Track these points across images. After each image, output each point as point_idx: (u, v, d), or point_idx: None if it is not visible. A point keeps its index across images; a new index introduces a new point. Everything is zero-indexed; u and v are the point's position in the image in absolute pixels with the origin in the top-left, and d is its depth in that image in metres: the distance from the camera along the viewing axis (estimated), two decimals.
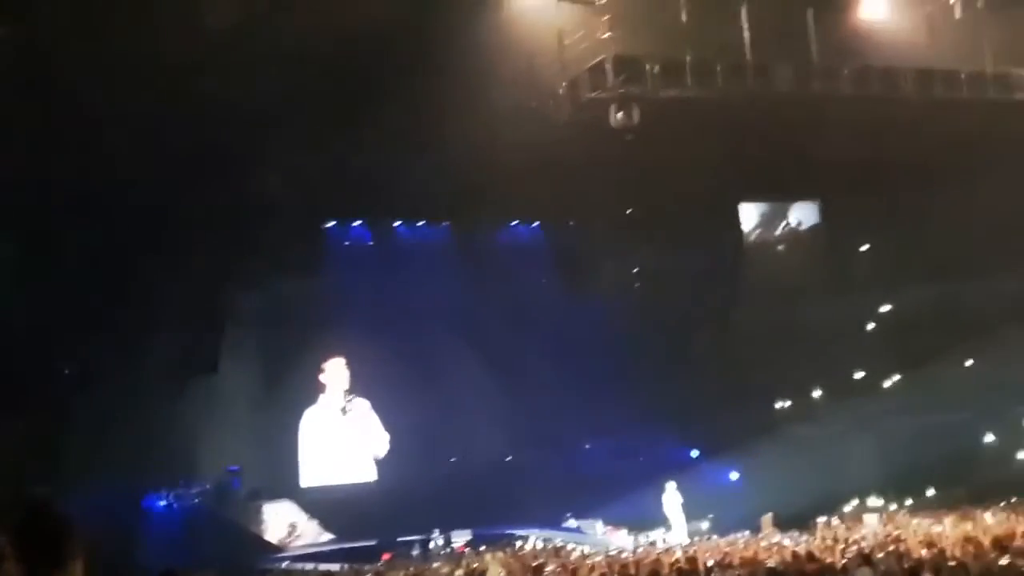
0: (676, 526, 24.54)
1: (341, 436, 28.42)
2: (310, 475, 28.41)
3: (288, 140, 22.23)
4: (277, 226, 25.23)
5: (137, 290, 24.42)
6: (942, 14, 22.65)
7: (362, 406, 28.44)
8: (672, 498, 24.85)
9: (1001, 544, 13.02)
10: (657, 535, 24.59)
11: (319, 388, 28.60)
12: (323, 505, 27.42)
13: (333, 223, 29.94)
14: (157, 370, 25.33)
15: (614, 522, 26.60)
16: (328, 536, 26.72)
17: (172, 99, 20.31)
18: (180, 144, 21.33)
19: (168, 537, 24.36)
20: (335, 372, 28.82)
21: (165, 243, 24.18)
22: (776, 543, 18.36)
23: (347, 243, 30.41)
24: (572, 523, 26.88)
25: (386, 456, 28.73)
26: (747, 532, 22.74)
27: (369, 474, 28.76)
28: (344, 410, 28.36)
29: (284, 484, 28.25)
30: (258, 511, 27.34)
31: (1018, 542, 13.25)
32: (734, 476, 29.21)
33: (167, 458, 25.91)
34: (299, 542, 26.62)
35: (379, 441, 28.59)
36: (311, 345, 28.24)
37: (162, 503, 26.60)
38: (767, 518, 23.21)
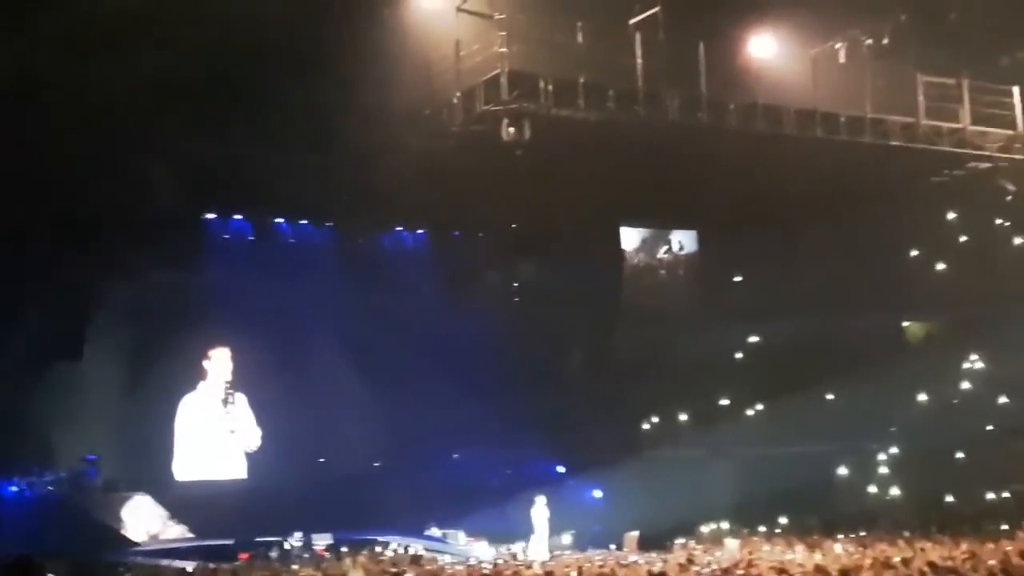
0: (539, 540, 24.77)
1: (220, 427, 27.87)
2: (184, 466, 27.77)
3: (170, 128, 21.79)
4: (154, 215, 24.68)
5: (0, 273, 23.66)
6: (827, 59, 23.43)
7: (241, 400, 27.96)
8: (540, 512, 25.10)
9: (848, 575, 13.50)
10: (519, 548, 24.78)
11: (200, 375, 28.01)
12: (184, 499, 26.81)
13: (213, 216, 29.43)
14: (15, 355, 24.55)
15: (477, 533, 26.71)
16: (186, 532, 26.19)
17: (47, 84, 19.78)
18: (54, 128, 20.73)
19: (18, 524, 23.58)
20: (219, 362, 28.24)
21: (33, 228, 23.48)
22: (633, 562, 18.66)
23: (226, 236, 29.90)
24: (435, 532, 26.87)
25: (255, 454, 28.32)
26: (610, 548, 23.10)
27: (240, 470, 28.28)
28: (225, 401, 27.85)
29: (147, 475, 27.57)
30: (115, 502, 26.63)
31: (864, 574, 13.75)
32: (598, 494, 29.60)
33: (22, 444, 25.14)
34: (156, 536, 26.02)
35: (252, 436, 28.16)
36: (184, 337, 27.64)
37: (13, 489, 25.76)
38: (632, 536, 23.57)
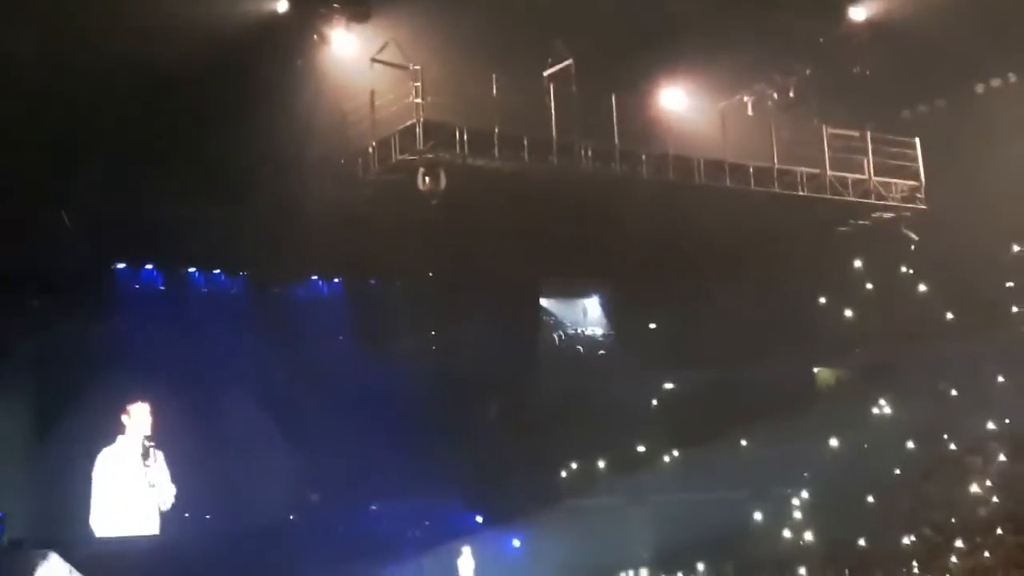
0: None
1: (139, 483, 27.15)
2: (102, 522, 26.98)
3: (79, 177, 21.45)
4: (60, 263, 24.19)
5: None
6: (735, 111, 24.03)
7: (160, 456, 27.29)
8: (466, 563, 25.04)
9: None
10: None
11: (119, 429, 27.31)
12: (96, 557, 26.02)
13: (123, 265, 28.93)
14: None
15: None
16: None
17: None
18: None
19: None
20: (139, 417, 27.51)
21: None
22: None
23: (137, 286, 29.41)
24: None
25: (169, 510, 27.65)
26: None
27: (154, 526, 27.56)
28: (145, 456, 27.12)
29: (57, 533, 26.69)
30: (21, 562, 25.74)
31: None
32: (516, 543, 29.49)
33: None
34: None
35: (167, 492, 27.48)
36: (95, 390, 26.96)
37: None
38: None
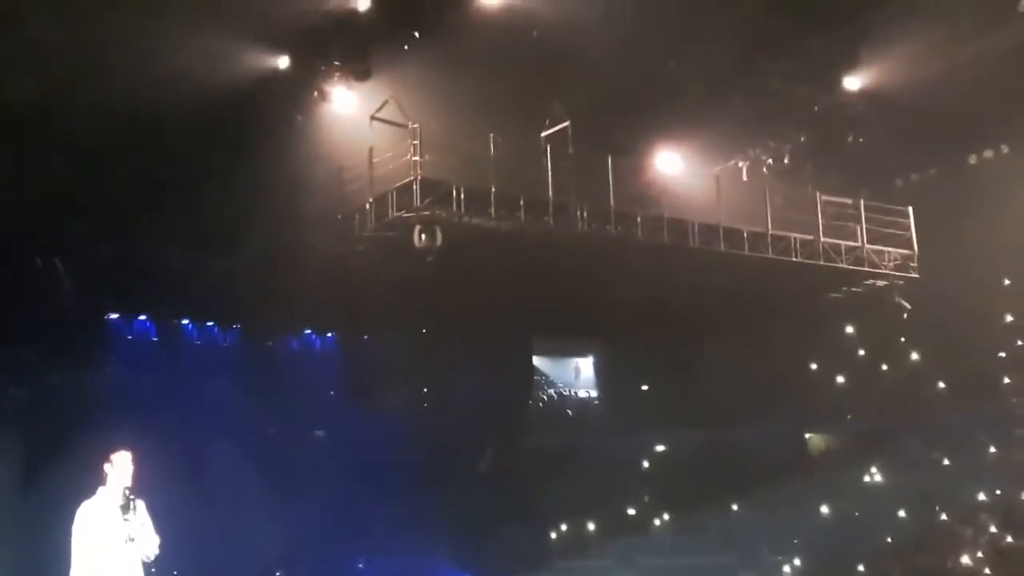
0: None
1: (118, 538, 26.84)
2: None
3: (74, 228, 21.54)
4: (52, 314, 24.16)
5: None
6: (730, 176, 24.23)
7: (141, 506, 27.01)
8: None
9: None
10: None
11: (101, 481, 27.09)
12: None
13: (116, 316, 28.91)
14: None
15: None
16: None
17: None
18: None
19: None
20: (121, 466, 27.30)
21: None
22: None
23: (130, 337, 29.39)
24: None
25: (155, 562, 27.34)
26: None
27: None
28: (125, 508, 26.83)
29: None
30: None
31: None
32: None
33: None
34: None
35: (151, 543, 27.17)
36: (85, 440, 26.86)
37: None
38: None
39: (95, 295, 25.38)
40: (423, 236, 20.71)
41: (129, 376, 27.63)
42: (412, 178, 20.66)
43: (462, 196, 21.01)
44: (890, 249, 25.56)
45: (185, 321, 30.23)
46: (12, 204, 20.02)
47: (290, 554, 29.23)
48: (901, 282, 26.14)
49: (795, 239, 24.36)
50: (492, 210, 21.29)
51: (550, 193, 21.72)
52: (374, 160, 21.36)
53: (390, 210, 21.13)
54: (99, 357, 27.49)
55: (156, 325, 29.76)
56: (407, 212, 20.83)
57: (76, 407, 26.81)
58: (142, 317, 29.54)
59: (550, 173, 21.66)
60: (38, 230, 21.59)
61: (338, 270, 22.76)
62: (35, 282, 23.02)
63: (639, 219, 22.79)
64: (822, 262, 24.64)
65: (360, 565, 30.78)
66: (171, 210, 21.61)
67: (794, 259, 24.28)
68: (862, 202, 25.13)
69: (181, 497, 27.97)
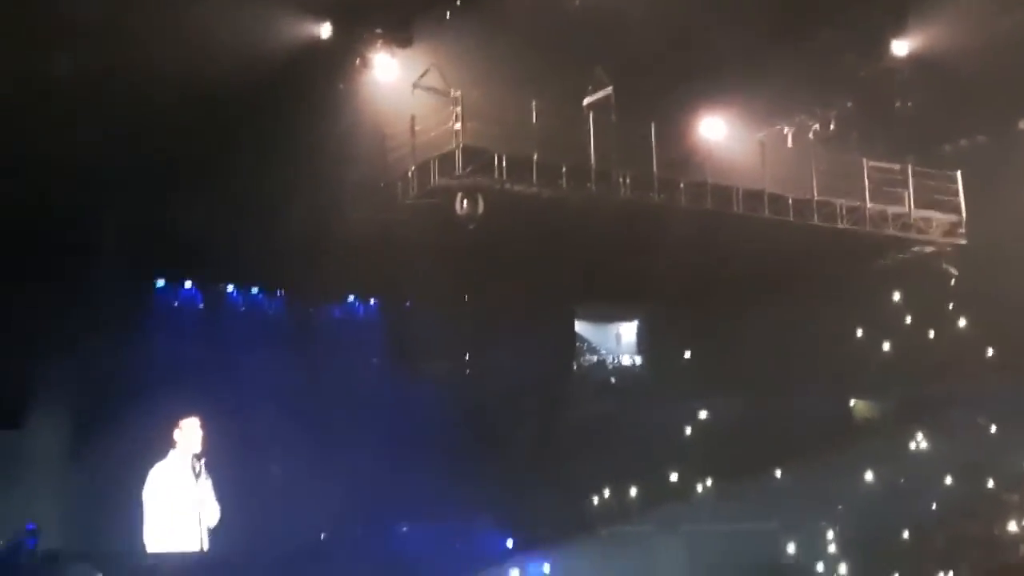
0: None
1: (189, 500, 27.25)
2: (153, 538, 27.14)
3: (119, 195, 21.74)
4: (99, 280, 24.47)
5: None
6: (775, 142, 23.97)
7: (207, 473, 27.42)
8: None
9: None
10: None
11: (171, 445, 27.49)
12: (126, 571, 26.24)
13: (162, 283, 29.23)
14: None
15: None
16: None
17: None
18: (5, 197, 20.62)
19: None
20: (190, 432, 27.71)
21: None
22: None
23: (176, 304, 29.71)
24: None
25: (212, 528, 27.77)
26: None
27: (197, 543, 27.67)
28: (196, 473, 27.27)
29: (91, 546, 26.97)
30: (54, 573, 26.02)
31: None
32: (546, 568, 29.39)
33: None
34: None
35: (214, 511, 27.60)
36: (131, 404, 27.24)
37: None
38: None
39: (141, 262, 25.68)
40: (465, 203, 20.76)
41: (175, 343, 27.98)
42: (454, 146, 20.71)
43: (504, 164, 21.03)
44: (938, 215, 25.26)
45: (230, 288, 30.53)
46: (58, 171, 20.24)
47: (334, 518, 29.55)
48: (949, 248, 25.86)
49: (841, 205, 24.14)
50: (534, 178, 21.27)
51: (592, 160, 21.65)
52: (416, 128, 21.38)
53: (432, 178, 21.18)
54: (145, 324, 27.86)
55: (202, 292, 30.09)
56: (449, 180, 20.87)
57: (123, 373, 27.22)
58: (188, 284, 29.89)
59: (592, 140, 21.57)
60: (82, 198, 21.79)
61: (381, 237, 22.87)
62: (80, 250, 23.28)
63: (682, 185, 22.67)
64: (868, 228, 24.42)
65: (404, 529, 31.06)
66: (215, 177, 21.75)
67: (840, 226, 24.07)
68: (909, 168, 24.81)
69: (226, 463, 28.43)
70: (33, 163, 20.09)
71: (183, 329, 28.52)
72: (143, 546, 26.55)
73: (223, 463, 27.67)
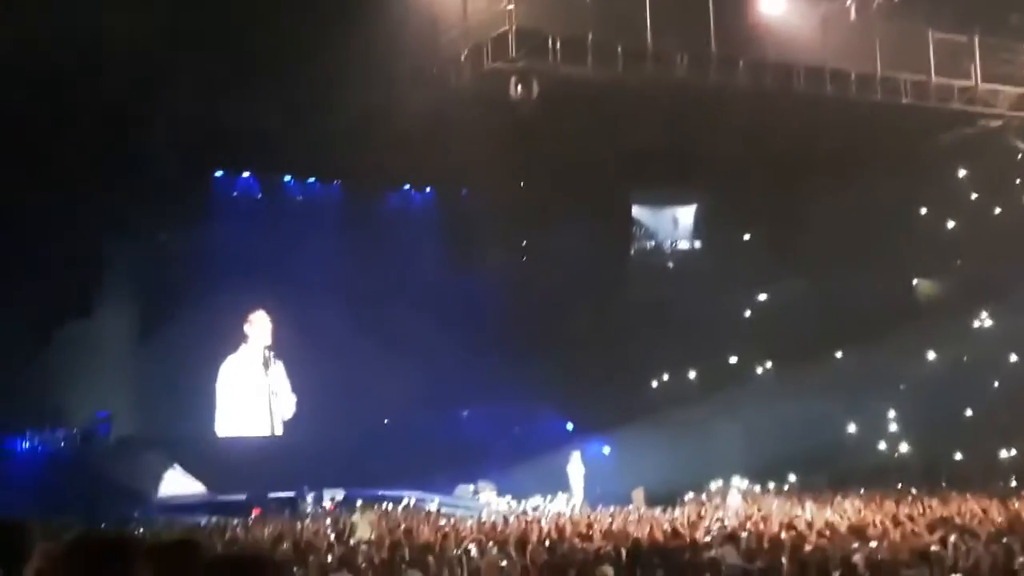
0: (576, 494, 25.37)
1: (261, 390, 27.89)
2: (226, 424, 27.88)
3: (178, 85, 21.73)
4: (161, 172, 24.65)
5: (9, 230, 23.73)
6: (837, 16, 23.19)
7: (280, 365, 28.01)
8: (576, 468, 25.59)
9: (857, 531, 13.58)
10: (535, 503, 25.07)
11: (242, 338, 28.09)
12: (190, 456, 26.99)
13: (220, 173, 29.42)
14: (26, 312, 24.66)
15: (487, 488, 26.96)
16: (200, 487, 26.39)
17: (59, 35, 19.64)
18: (63, 83, 20.70)
19: (30, 480, 23.82)
20: (260, 325, 28.31)
21: (43, 187, 23.47)
22: (643, 518, 18.78)
23: (235, 194, 29.95)
24: (447, 488, 27.10)
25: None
26: (618, 506, 23.25)
27: (268, 429, 28.35)
28: (266, 364, 27.87)
29: (160, 431, 27.79)
30: (127, 459, 26.83)
31: (873, 530, 13.83)
32: (606, 451, 29.76)
33: (34, 401, 25.33)
34: (169, 492, 26.24)
35: (289, 401, 28.21)
36: (188, 295, 27.77)
37: (26, 445, 25.98)
38: (638, 492, 23.70)
39: (200, 153, 25.84)
40: (519, 87, 20.38)
41: (235, 231, 28.28)
42: (507, 28, 20.23)
43: (558, 46, 20.54)
44: (1005, 88, 24.48)
45: (287, 178, 30.66)
46: (118, 63, 20.25)
47: (396, 403, 30.05)
48: (1016, 122, 25.14)
49: (905, 80, 23.44)
50: (589, 59, 20.80)
51: (649, 40, 21.10)
52: (468, 10, 20.94)
53: (485, 61, 20.79)
54: (205, 214, 28.15)
55: (259, 182, 30.27)
56: (502, 63, 20.47)
57: (187, 264, 27.65)
58: (246, 174, 30.08)
59: (649, 19, 21.00)
60: (143, 92, 21.84)
61: (435, 124, 22.65)
62: (142, 142, 23.42)
63: (741, 64, 22.09)
64: (933, 103, 23.71)
65: (464, 414, 31.53)
66: (271, 67, 21.64)
67: (904, 101, 23.39)
68: (976, 39, 23.97)
69: (287, 350, 28.93)
70: (95, 60, 20.11)
71: (241, 218, 28.84)
72: (214, 432, 27.36)
73: (288, 353, 28.27)
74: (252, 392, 27.04)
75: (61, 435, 26.36)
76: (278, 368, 27.49)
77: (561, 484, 26.54)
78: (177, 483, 26.52)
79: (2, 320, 24.02)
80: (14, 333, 24.46)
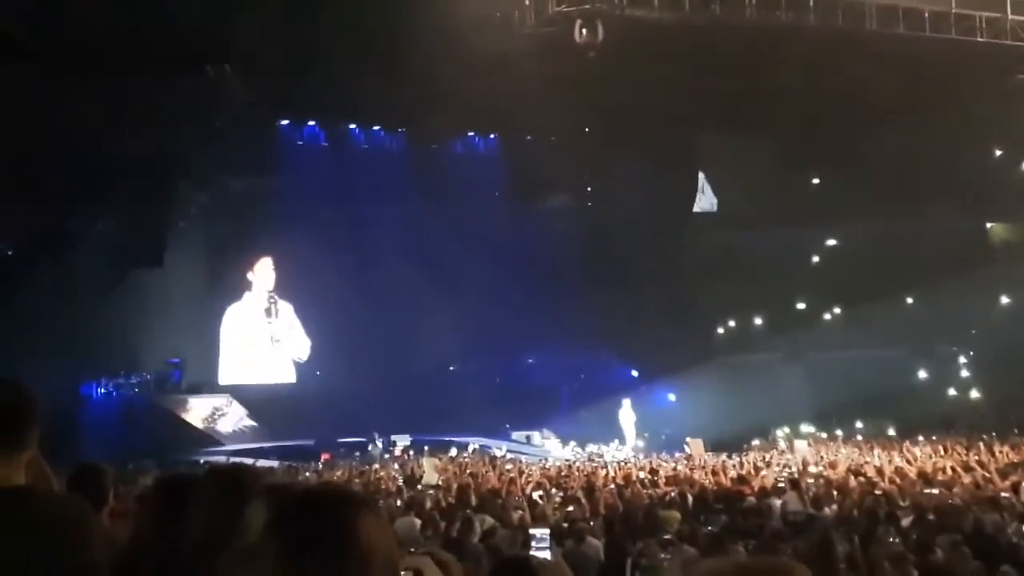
0: (627, 440, 25.35)
1: (263, 336, 28.39)
2: (228, 373, 28.44)
3: (246, 35, 21.81)
4: (230, 121, 24.87)
5: (84, 178, 24.09)
6: None
7: (286, 308, 28.38)
8: (627, 414, 25.56)
9: (926, 477, 13.45)
10: (594, 449, 25.14)
11: (245, 286, 28.53)
12: (259, 402, 27.47)
13: (287, 122, 29.60)
14: (100, 259, 25.16)
15: (553, 435, 27.11)
16: (268, 432, 26.88)
17: None
18: (135, 32, 20.87)
19: (105, 425, 24.42)
20: (262, 272, 28.72)
21: (113, 133, 23.78)
22: (708, 465, 18.77)
23: (300, 143, 30.13)
24: (512, 434, 27.31)
25: (323, 359, 28.76)
26: (681, 452, 23.26)
27: (288, 376, 28.80)
28: (268, 311, 28.30)
29: (227, 378, 28.38)
30: (199, 404, 27.42)
31: (942, 477, 13.69)
32: (671, 398, 29.73)
33: (108, 347, 25.89)
34: (240, 436, 26.78)
35: (301, 345, 28.59)
36: (256, 244, 28.14)
37: (101, 391, 26.61)
38: (696, 443, 23.62)
39: (266, 102, 25.99)
40: (584, 31, 20.20)
41: (302, 180, 28.50)
42: None
43: None
44: None
45: (352, 126, 30.76)
46: (187, 16, 20.36)
47: (461, 350, 30.26)
48: None
49: (980, 17, 22.81)
50: (655, 1, 20.52)
51: None
52: None
53: (549, 5, 20.61)
54: (273, 162, 28.39)
55: (325, 131, 30.43)
56: (567, 6, 20.28)
57: (252, 211, 27.94)
58: (311, 123, 30.23)
59: None
60: (211, 41, 21.95)
61: (498, 71, 22.49)
62: (209, 91, 23.60)
63: (811, 3, 21.65)
64: (1009, 41, 23.03)
65: (530, 360, 31.65)
66: (337, 16, 21.63)
67: (979, 39, 22.76)
68: None
69: (354, 297, 29.23)
70: (162, 8, 20.27)
71: (307, 166, 29.04)
72: (279, 380, 27.51)
73: (347, 298, 28.42)
74: (253, 340, 27.57)
75: (135, 381, 26.96)
76: (285, 312, 27.87)
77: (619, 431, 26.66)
78: (247, 428, 27.06)
79: (75, 270, 24.54)
80: (87, 282, 24.97)
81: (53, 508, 2.62)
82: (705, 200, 32.69)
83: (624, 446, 25.30)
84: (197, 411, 27.30)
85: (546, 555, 5.63)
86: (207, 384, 28.13)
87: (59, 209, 24.12)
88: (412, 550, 3.44)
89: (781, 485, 13.03)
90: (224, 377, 28.37)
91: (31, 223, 24.19)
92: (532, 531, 7.25)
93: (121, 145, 23.98)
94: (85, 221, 24.87)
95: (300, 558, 1.67)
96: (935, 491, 11.96)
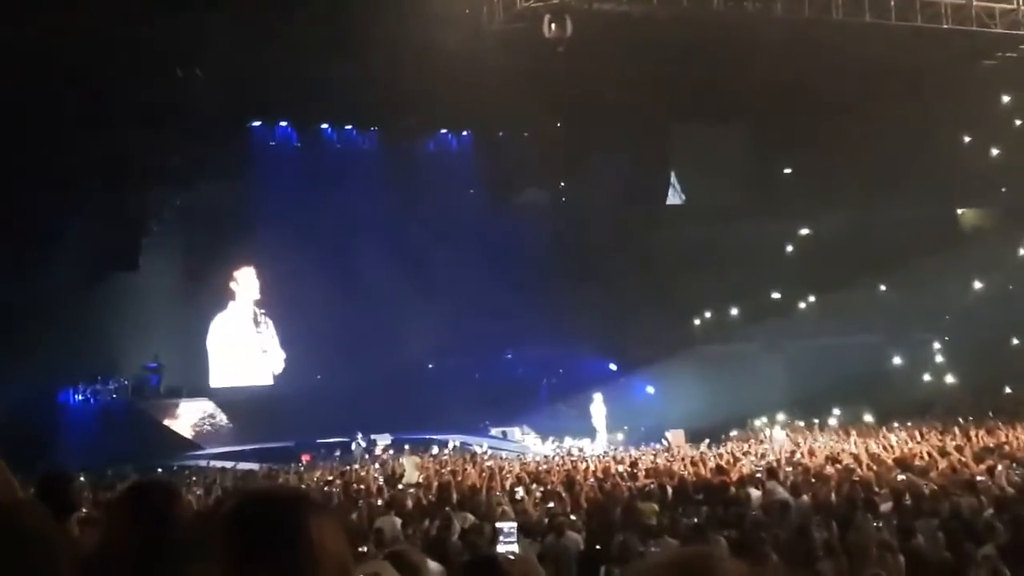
0: (599, 435, 25.28)
1: (251, 346, 28.33)
2: (217, 379, 28.33)
3: (215, 36, 21.72)
4: (200, 123, 24.74)
5: (55, 180, 23.96)
6: None
7: (270, 323, 28.34)
8: (598, 409, 25.52)
9: (903, 463, 13.54)
10: (573, 444, 25.15)
11: (229, 296, 28.44)
12: (238, 405, 27.37)
13: (259, 123, 29.48)
14: (74, 266, 25.00)
15: (532, 431, 27.11)
16: (248, 435, 26.76)
17: None
18: (103, 36, 20.76)
19: (83, 431, 24.29)
20: (245, 282, 28.64)
21: (86, 136, 23.64)
22: (687, 456, 18.82)
23: (272, 143, 30.01)
24: (492, 430, 27.29)
25: (300, 360, 28.67)
26: (660, 444, 23.31)
27: (266, 378, 28.71)
28: (256, 321, 28.25)
29: (201, 382, 28.20)
30: (177, 408, 27.29)
31: (919, 462, 13.78)
32: (650, 390, 29.77)
33: (84, 353, 25.74)
34: (218, 440, 26.65)
35: (277, 358, 28.57)
36: (231, 246, 28.01)
37: (79, 397, 26.45)
38: (677, 434, 23.65)
39: (237, 103, 25.88)
40: (553, 26, 20.14)
41: (274, 180, 28.39)
42: None
43: None
44: None
45: (325, 125, 30.67)
46: (157, 17, 20.26)
47: (439, 348, 30.21)
48: None
49: (945, 4, 22.88)
50: None
51: None
52: None
53: (517, 1, 20.59)
54: (245, 163, 28.27)
55: (297, 130, 30.33)
56: (535, 2, 20.26)
57: (226, 213, 27.81)
58: (283, 123, 30.12)
59: None
60: (181, 42, 21.85)
61: (469, 67, 22.52)
62: (180, 92, 23.49)
63: None
64: (975, 27, 23.14)
65: (508, 356, 31.65)
66: (305, 15, 21.57)
67: (944, 26, 22.85)
68: None
69: (328, 296, 29.12)
70: (131, 9, 20.15)
71: (280, 167, 28.93)
72: (258, 382, 27.44)
73: (319, 298, 28.31)
74: (240, 347, 27.45)
75: (112, 387, 26.80)
76: (269, 325, 27.82)
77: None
78: (226, 431, 26.94)
79: (51, 275, 24.36)
80: (63, 288, 24.81)
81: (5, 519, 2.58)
82: (674, 194, 32.81)
83: (594, 443, 25.20)
84: (176, 416, 27.19)
85: (513, 548, 5.63)
86: (186, 388, 28.00)
87: (31, 211, 23.95)
88: (387, 550, 3.44)
89: (759, 475, 13.09)
90: (213, 382, 28.25)
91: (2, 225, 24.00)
92: (499, 525, 7.26)
93: (93, 148, 23.86)
94: (58, 224, 24.69)
95: (250, 558, 1.68)
96: (912, 476, 12.03)
